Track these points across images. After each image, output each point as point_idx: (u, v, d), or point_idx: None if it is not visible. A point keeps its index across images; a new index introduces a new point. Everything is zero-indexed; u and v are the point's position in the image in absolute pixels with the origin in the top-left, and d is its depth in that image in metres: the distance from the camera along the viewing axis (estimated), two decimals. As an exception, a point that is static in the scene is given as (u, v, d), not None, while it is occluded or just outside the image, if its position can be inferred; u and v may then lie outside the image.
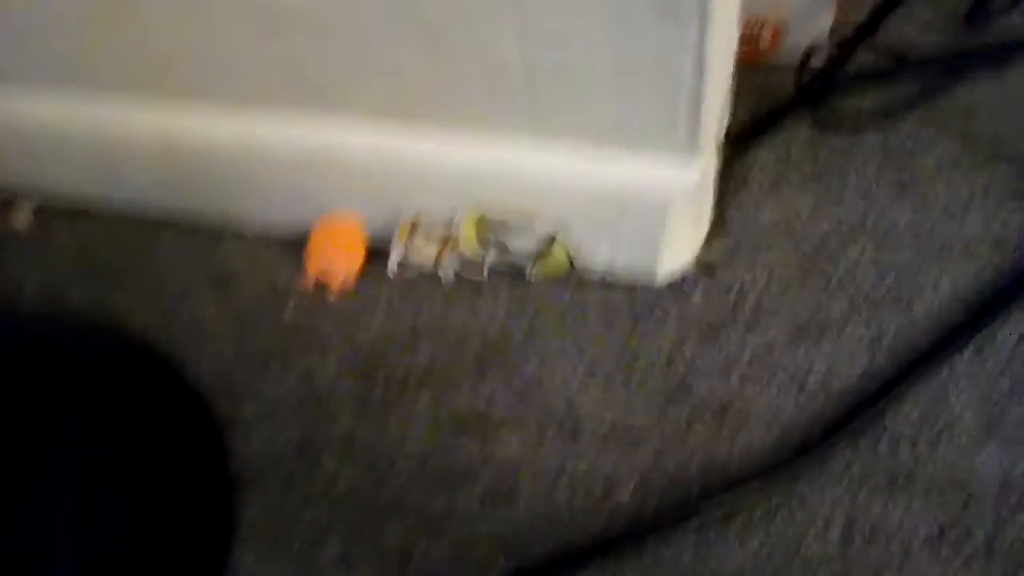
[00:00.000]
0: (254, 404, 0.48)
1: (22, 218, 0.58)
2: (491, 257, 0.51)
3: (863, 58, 0.54)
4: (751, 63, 0.58)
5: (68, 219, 0.57)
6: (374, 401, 0.47)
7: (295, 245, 0.53)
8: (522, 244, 0.50)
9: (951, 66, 0.53)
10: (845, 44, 0.54)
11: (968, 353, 0.45)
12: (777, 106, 0.54)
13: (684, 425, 0.45)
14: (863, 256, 0.49)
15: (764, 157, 0.54)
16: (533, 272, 0.51)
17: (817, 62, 0.56)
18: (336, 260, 0.51)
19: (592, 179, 0.45)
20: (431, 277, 0.51)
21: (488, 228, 0.50)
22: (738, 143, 0.53)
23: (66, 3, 0.46)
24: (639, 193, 0.45)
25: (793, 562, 0.41)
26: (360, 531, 0.43)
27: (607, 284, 0.50)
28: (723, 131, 0.50)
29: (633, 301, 0.49)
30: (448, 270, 0.51)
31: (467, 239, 0.50)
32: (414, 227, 0.51)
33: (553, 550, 0.42)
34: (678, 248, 0.49)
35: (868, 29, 0.53)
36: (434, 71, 0.43)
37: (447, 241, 0.50)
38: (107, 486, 0.42)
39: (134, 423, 0.45)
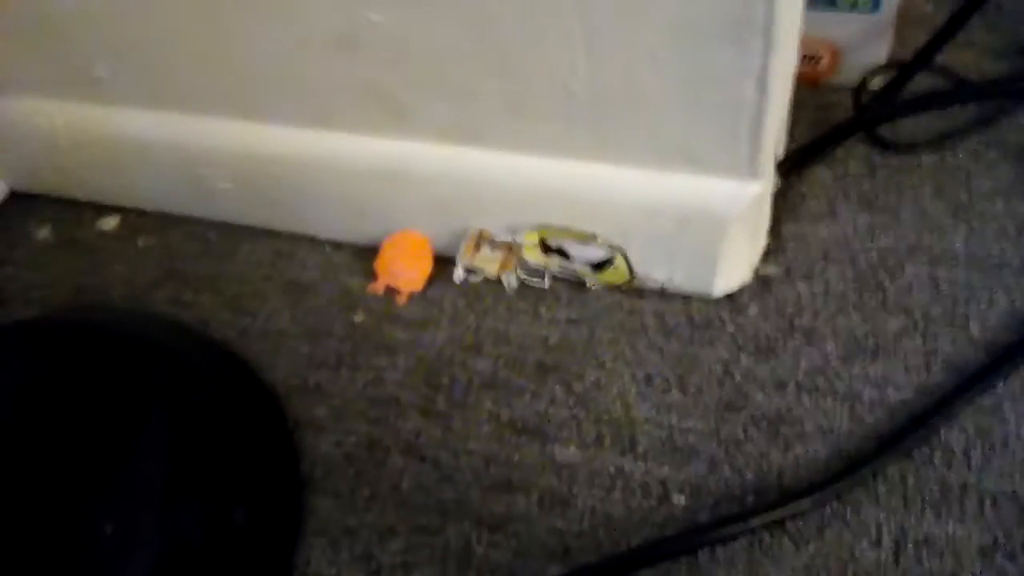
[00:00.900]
0: (325, 405, 0.50)
1: (110, 225, 0.61)
2: (553, 266, 0.52)
3: (922, 81, 0.55)
4: (810, 83, 0.59)
5: (154, 226, 0.61)
6: (439, 404, 0.49)
7: (367, 253, 0.55)
8: (584, 254, 0.51)
9: (1010, 90, 0.53)
10: (904, 67, 0.55)
11: (1023, 369, 0.46)
12: (835, 126, 0.55)
13: (739, 435, 0.46)
14: (919, 274, 0.50)
15: (822, 175, 0.55)
16: (594, 281, 0.52)
17: (876, 84, 0.57)
18: (405, 268, 0.54)
19: (653, 196, 0.47)
20: (495, 285, 0.53)
21: (551, 238, 0.51)
22: (797, 161, 0.54)
23: (154, 26, 0.49)
24: (699, 210, 0.47)
25: (847, 570, 0.42)
26: (423, 529, 0.45)
27: (666, 295, 0.52)
28: (782, 149, 0.51)
29: (690, 313, 0.51)
30: (512, 278, 0.53)
31: (530, 249, 0.52)
32: (480, 237, 0.53)
33: (608, 554, 0.43)
34: (736, 263, 0.50)
35: (928, 52, 0.54)
36: (505, 93, 0.45)
37: (511, 251, 0.53)
38: (190, 474, 0.44)
39: (214, 420, 0.47)
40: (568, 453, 0.47)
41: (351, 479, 0.47)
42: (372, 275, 0.55)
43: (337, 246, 0.57)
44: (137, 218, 0.61)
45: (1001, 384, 0.45)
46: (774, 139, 0.47)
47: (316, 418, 0.50)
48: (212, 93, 0.53)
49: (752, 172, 0.45)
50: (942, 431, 0.45)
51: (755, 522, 0.43)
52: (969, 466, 0.43)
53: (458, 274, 0.53)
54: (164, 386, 0.47)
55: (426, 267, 0.54)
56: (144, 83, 0.54)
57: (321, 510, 0.47)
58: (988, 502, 0.42)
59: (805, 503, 0.43)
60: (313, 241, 0.58)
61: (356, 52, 0.46)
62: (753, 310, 0.50)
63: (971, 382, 0.45)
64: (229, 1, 0.46)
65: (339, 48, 0.47)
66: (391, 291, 0.54)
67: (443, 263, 0.54)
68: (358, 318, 0.54)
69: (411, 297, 0.54)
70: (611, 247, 0.50)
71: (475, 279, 0.54)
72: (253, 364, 0.52)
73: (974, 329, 0.48)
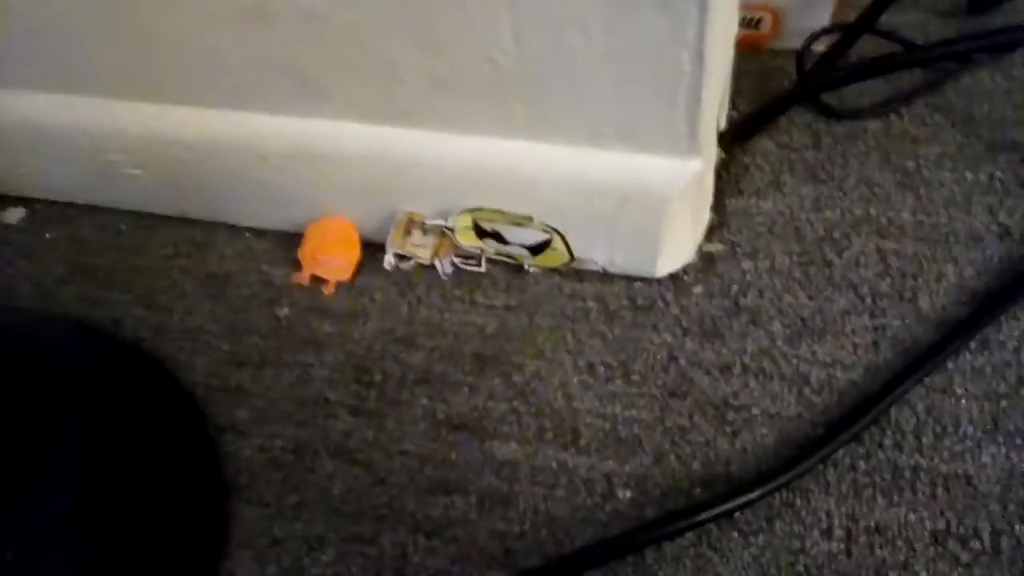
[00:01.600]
0: (248, 407, 0.47)
1: (15, 217, 0.57)
2: (489, 250, 0.50)
3: (866, 44, 0.53)
4: (752, 48, 0.56)
5: (61, 217, 0.56)
6: (371, 402, 0.47)
7: (290, 242, 0.52)
8: (520, 236, 0.49)
9: (955, 53, 0.51)
10: (848, 30, 0.53)
11: (974, 346, 0.44)
12: (778, 93, 0.53)
13: (685, 424, 0.44)
14: (866, 247, 0.48)
15: (765, 146, 0.53)
16: (532, 264, 0.50)
17: (819, 48, 0.55)
18: (332, 256, 0.51)
19: (589, 176, 0.44)
20: (429, 271, 0.51)
21: (486, 221, 0.49)
22: (739, 132, 0.52)
23: (56, 4, 0.45)
24: (637, 189, 0.44)
25: (797, 562, 0.40)
26: (356, 537, 0.43)
27: (607, 277, 0.49)
28: (723, 120, 0.49)
29: (633, 295, 0.49)
30: (446, 264, 0.50)
31: (464, 233, 0.49)
32: (411, 221, 0.50)
33: (552, 554, 0.42)
34: (678, 243, 0.48)
35: (872, 14, 0.52)
36: (428, 68, 0.42)
37: (444, 234, 0.50)
38: (99, 490, 0.41)
39: (126, 425, 0.44)
40: (508, 449, 0.45)
41: (277, 486, 0.45)
42: (296, 264, 0.51)
43: (258, 234, 0.54)
44: (44, 209, 0.57)
45: (951, 362, 0.44)
46: (714, 112, 0.44)
47: (239, 421, 0.47)
48: (115, 72, 0.49)
49: (691, 148, 0.43)
50: (892, 412, 0.43)
51: (702, 516, 0.41)
52: (920, 449, 0.42)
53: (388, 261, 0.50)
54: (69, 395, 0.43)
55: (354, 254, 0.51)
56: (39, 64, 0.50)
57: (246, 520, 0.44)
58: (940, 485, 0.41)
59: (753, 494, 0.41)
60: (232, 229, 0.54)
61: (268, 26, 0.43)
62: (697, 290, 0.48)
63: (921, 360, 0.44)
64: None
65: (250, 21, 0.43)
66: (317, 281, 0.51)
67: (372, 250, 0.51)
68: (282, 311, 0.51)
69: (339, 287, 0.51)
70: (548, 229, 0.48)
71: (407, 266, 0.51)
72: (170, 365, 0.49)
73: (923, 304, 0.46)
